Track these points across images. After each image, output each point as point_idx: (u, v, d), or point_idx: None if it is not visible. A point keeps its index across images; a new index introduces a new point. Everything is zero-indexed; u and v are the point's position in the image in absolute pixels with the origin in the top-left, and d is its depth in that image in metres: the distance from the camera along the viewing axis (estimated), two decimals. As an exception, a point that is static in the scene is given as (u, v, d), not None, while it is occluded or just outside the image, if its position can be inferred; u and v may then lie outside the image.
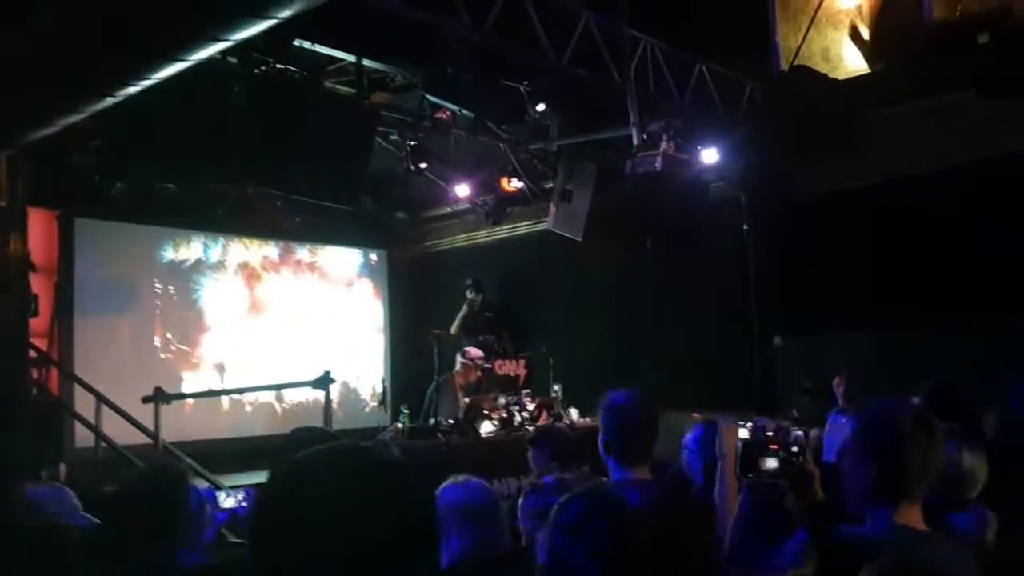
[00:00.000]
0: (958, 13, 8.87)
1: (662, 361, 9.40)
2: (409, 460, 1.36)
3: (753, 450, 2.55)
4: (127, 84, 4.22)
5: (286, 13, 3.73)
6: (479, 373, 8.90)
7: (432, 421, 8.20)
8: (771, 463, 2.52)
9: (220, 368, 10.15)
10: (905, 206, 8.26)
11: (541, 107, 6.70)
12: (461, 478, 3.18)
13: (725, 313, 9.44)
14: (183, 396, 9.21)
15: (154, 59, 4.02)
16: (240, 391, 9.92)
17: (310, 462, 1.29)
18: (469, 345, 9.11)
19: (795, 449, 2.51)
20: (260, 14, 3.71)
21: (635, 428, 3.23)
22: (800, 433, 2.94)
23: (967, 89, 8.05)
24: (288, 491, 1.25)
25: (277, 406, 10.58)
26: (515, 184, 9.16)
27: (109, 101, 4.30)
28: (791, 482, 2.48)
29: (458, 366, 8.79)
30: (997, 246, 7.85)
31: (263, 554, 1.24)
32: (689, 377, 9.04)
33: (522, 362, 9.32)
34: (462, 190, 9.62)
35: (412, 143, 8.08)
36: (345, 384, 10.84)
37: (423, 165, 8.34)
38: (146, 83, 4.20)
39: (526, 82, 6.49)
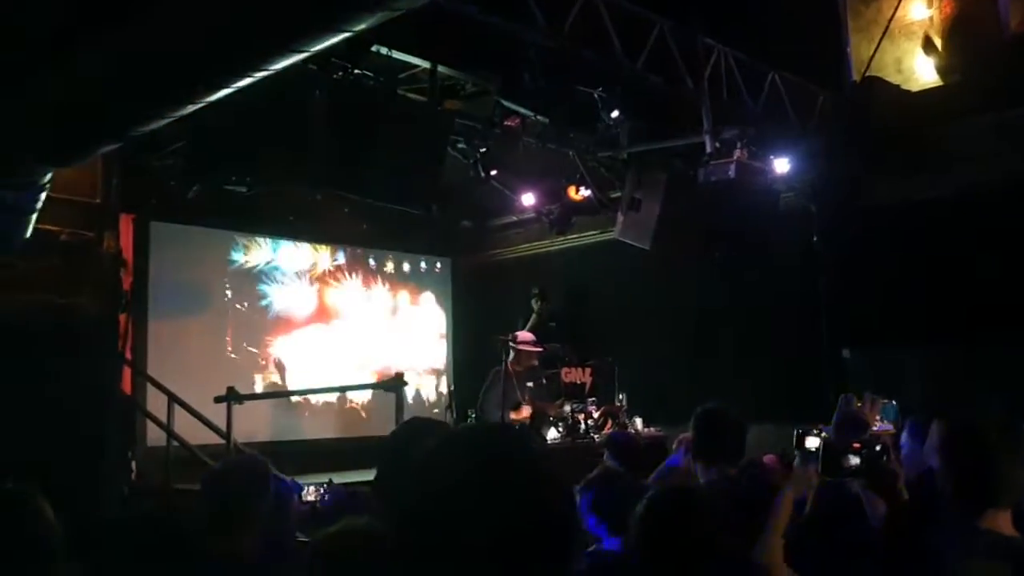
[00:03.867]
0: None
1: (730, 372, 9.31)
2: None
3: (835, 450, 2.52)
4: (243, 76, 4.27)
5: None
6: (534, 361, 8.88)
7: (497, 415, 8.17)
8: (851, 461, 2.50)
9: (288, 371, 10.32)
10: (978, 220, 8.10)
11: (615, 114, 6.72)
12: None
13: (794, 325, 9.33)
14: (256, 396, 9.37)
15: (277, 49, 4.07)
16: (313, 392, 10.07)
17: (460, 435, 1.27)
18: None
19: (879, 448, 2.48)
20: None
21: (723, 432, 3.49)
22: (889, 419, 2.94)
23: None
24: (436, 465, 1.20)
25: (342, 410, 10.72)
26: (582, 193, 9.15)
27: (220, 94, 4.40)
28: (873, 482, 2.47)
29: (510, 355, 8.79)
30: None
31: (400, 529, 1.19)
32: (758, 389, 8.94)
33: (588, 370, 9.30)
34: (528, 199, 9.66)
35: (482, 150, 8.13)
36: (409, 389, 10.94)
37: (493, 173, 8.39)
38: (263, 74, 4.27)
39: (600, 88, 6.52)
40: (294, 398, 10.32)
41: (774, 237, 8.15)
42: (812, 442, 2.73)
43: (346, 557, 1.70)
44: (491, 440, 1.26)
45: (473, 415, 8.05)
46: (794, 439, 3.55)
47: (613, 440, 5.65)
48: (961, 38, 9.40)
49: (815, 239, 9.25)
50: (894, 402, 3.40)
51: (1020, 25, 9.01)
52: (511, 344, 9.06)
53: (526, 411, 8.60)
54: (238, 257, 10.36)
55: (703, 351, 9.71)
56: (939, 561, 2.36)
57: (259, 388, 9.93)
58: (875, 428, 2.91)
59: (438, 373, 11.75)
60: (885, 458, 2.50)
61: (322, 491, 4.54)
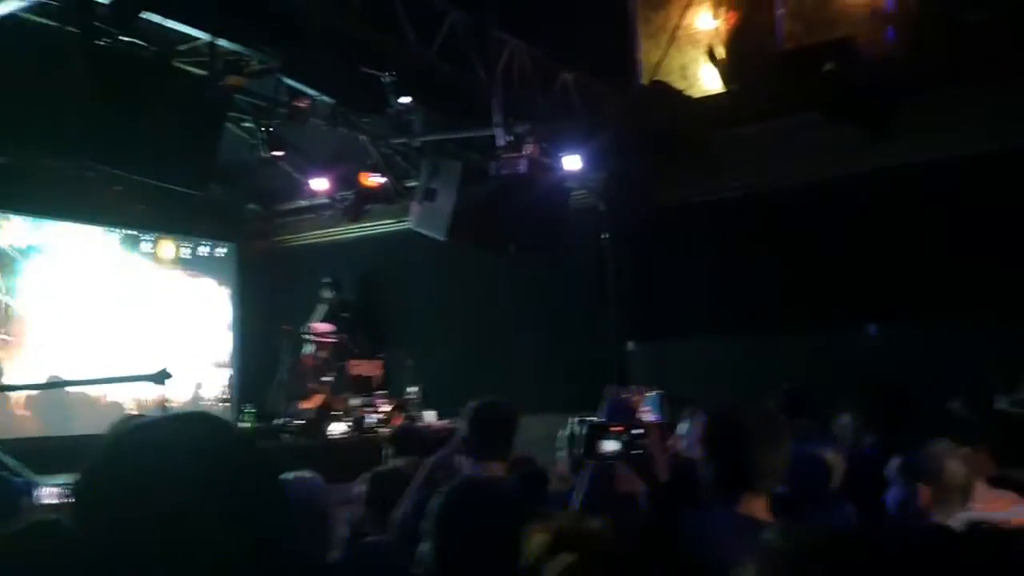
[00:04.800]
0: (805, 41, 9.33)
1: (521, 364, 9.42)
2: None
3: (596, 433, 2.54)
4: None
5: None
6: (325, 351, 8.66)
7: (280, 421, 7.90)
8: (613, 446, 2.52)
9: (51, 362, 9.45)
10: (755, 221, 8.60)
11: (405, 100, 6.55)
12: (292, 475, 3.19)
13: (583, 318, 9.57)
14: (6, 388, 8.53)
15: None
16: (70, 384, 9.27)
17: (151, 424, 1.15)
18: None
19: (639, 432, 2.52)
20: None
21: (491, 427, 3.44)
22: (651, 417, 3.00)
23: (813, 112, 8.46)
24: (124, 452, 1.11)
25: (105, 403, 9.94)
26: (376, 180, 8.95)
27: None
28: (634, 465, 2.51)
29: (306, 348, 8.49)
30: (839, 262, 8.28)
31: (90, 520, 1.08)
32: (547, 380, 9.09)
33: (378, 363, 9.12)
34: (319, 184, 9.32)
35: (267, 130, 7.75)
36: (189, 382, 10.33)
37: (278, 154, 8.00)
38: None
39: (390, 73, 6.33)
40: (56, 392, 9.48)
41: (566, 232, 8.28)
42: (579, 430, 2.76)
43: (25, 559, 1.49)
44: (184, 432, 1.16)
45: (251, 409, 7.67)
46: (567, 429, 3.58)
47: (398, 434, 5.52)
48: (740, 49, 9.92)
49: (604, 236, 9.50)
50: (658, 392, 3.47)
51: (792, 40, 9.61)
52: (307, 336, 8.76)
53: (317, 400, 8.34)
54: (-2, 237, 9.39)
55: (498, 343, 9.76)
56: (696, 542, 2.41)
57: (16, 380, 9.04)
58: (642, 416, 2.96)
59: (221, 365, 11.14)
60: (644, 441, 2.53)
61: (61, 491, 4.11)
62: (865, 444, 3.69)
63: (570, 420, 4.07)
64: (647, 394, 3.10)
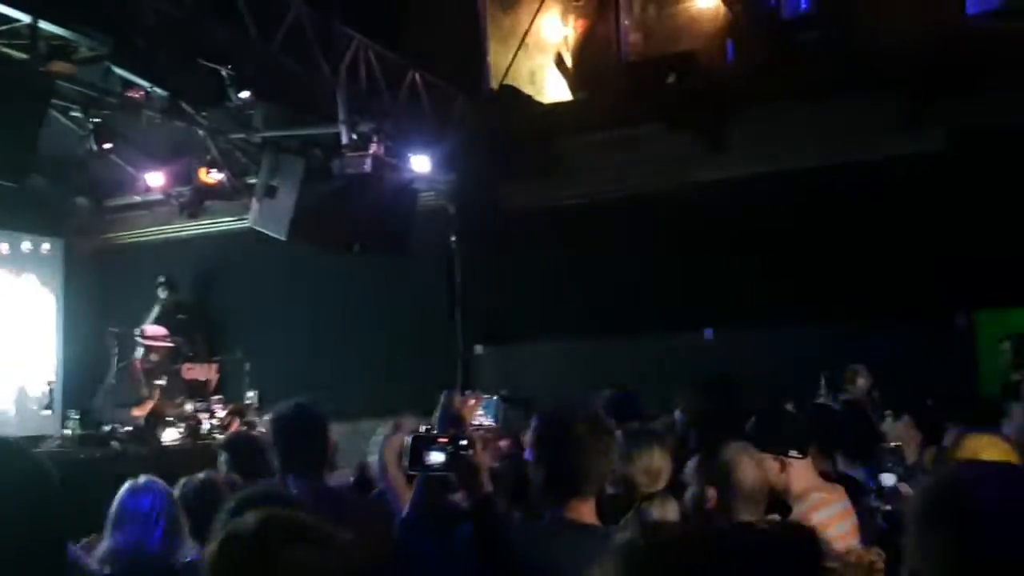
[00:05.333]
0: (649, 54, 9.65)
1: (366, 368, 9.28)
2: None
3: (420, 445, 2.51)
4: None
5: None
6: (158, 355, 8.26)
7: (108, 428, 7.48)
8: (437, 456, 2.49)
9: None
10: (600, 226, 8.79)
11: (244, 94, 6.31)
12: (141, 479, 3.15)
13: (430, 321, 9.52)
14: None
15: None
16: None
17: None
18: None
19: (464, 442, 2.49)
20: None
21: (300, 436, 3.29)
22: (487, 422, 2.98)
23: (656, 123, 8.74)
24: None
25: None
26: (214, 176, 8.58)
27: None
28: (459, 476, 2.49)
29: (139, 351, 8.07)
30: (679, 268, 8.58)
31: None
32: (393, 384, 8.98)
33: (214, 367, 8.76)
34: (154, 179, 8.85)
35: (96, 121, 7.29)
36: (10, 387, 9.62)
37: (107, 146, 7.54)
38: None
39: (229, 66, 6.09)
40: None
41: (413, 234, 8.21)
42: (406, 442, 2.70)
43: None
44: None
45: (77, 415, 7.22)
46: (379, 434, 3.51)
47: (230, 442, 5.29)
48: (586, 58, 10.14)
49: (452, 239, 9.49)
50: (496, 397, 3.45)
51: (636, 52, 9.91)
52: (138, 339, 8.32)
53: (148, 406, 7.94)
54: None
55: (342, 347, 9.58)
56: (524, 548, 2.39)
57: None
58: (478, 422, 2.93)
59: (44, 368, 10.41)
60: (471, 452, 2.50)
61: None
62: (691, 441, 3.78)
63: (382, 426, 4.01)
64: (484, 398, 3.06)
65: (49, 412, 8.24)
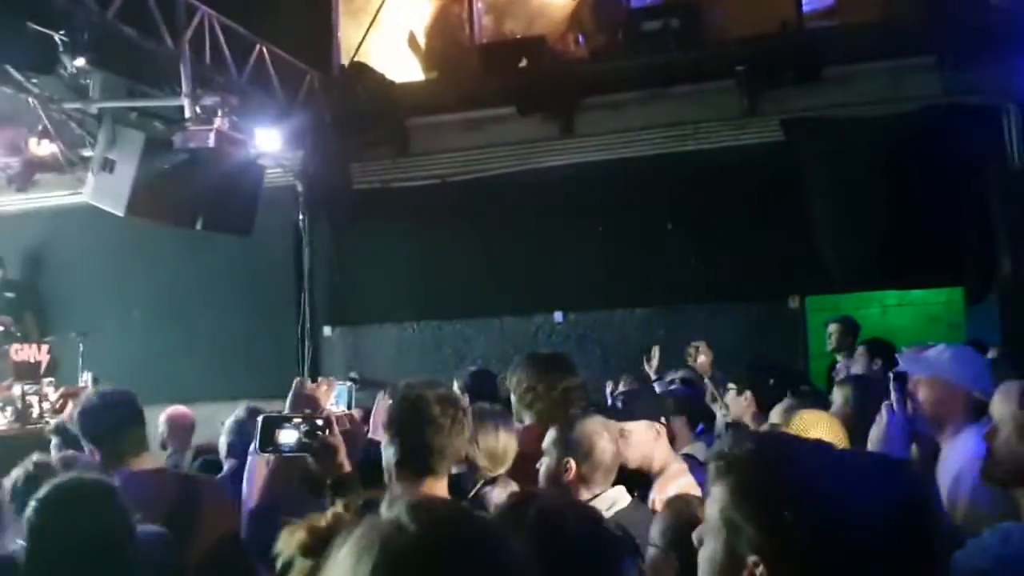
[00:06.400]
0: (501, 37, 9.74)
1: (210, 350, 9.03)
2: None
3: (271, 425, 2.48)
4: None
5: None
6: None
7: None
8: (290, 436, 2.47)
9: None
10: (450, 209, 8.85)
11: (79, 62, 5.99)
12: None
13: (278, 302, 9.37)
14: None
15: None
16: None
17: None
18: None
19: (320, 422, 2.49)
20: None
21: (118, 422, 3.28)
22: (333, 404, 2.97)
23: (508, 106, 8.86)
24: None
25: None
26: (46, 147, 8.14)
27: None
28: (314, 456, 2.48)
29: None
30: (530, 251, 8.76)
31: None
32: (238, 367, 8.79)
33: (45, 348, 8.29)
34: (-21, 148, 8.32)
35: (-86, 86, 6.77)
36: None
37: (-74, 113, 7.04)
38: None
39: (62, 31, 5.77)
40: None
41: (259, 211, 8.02)
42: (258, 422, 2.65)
43: None
44: None
45: None
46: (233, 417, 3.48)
47: (62, 427, 5.10)
48: (439, 38, 10.15)
49: (301, 217, 9.33)
50: (349, 383, 3.43)
51: (488, 35, 10.00)
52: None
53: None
54: None
55: (184, 328, 9.29)
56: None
57: None
58: (329, 409, 2.91)
59: None
60: (326, 432, 2.50)
61: None
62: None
63: (237, 409, 3.95)
64: (337, 384, 3.03)
65: None
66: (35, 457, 3.61)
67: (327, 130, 8.67)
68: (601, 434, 2.91)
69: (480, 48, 9.56)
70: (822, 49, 8.23)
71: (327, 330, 9.49)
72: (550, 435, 2.96)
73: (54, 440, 4.93)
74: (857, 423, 3.13)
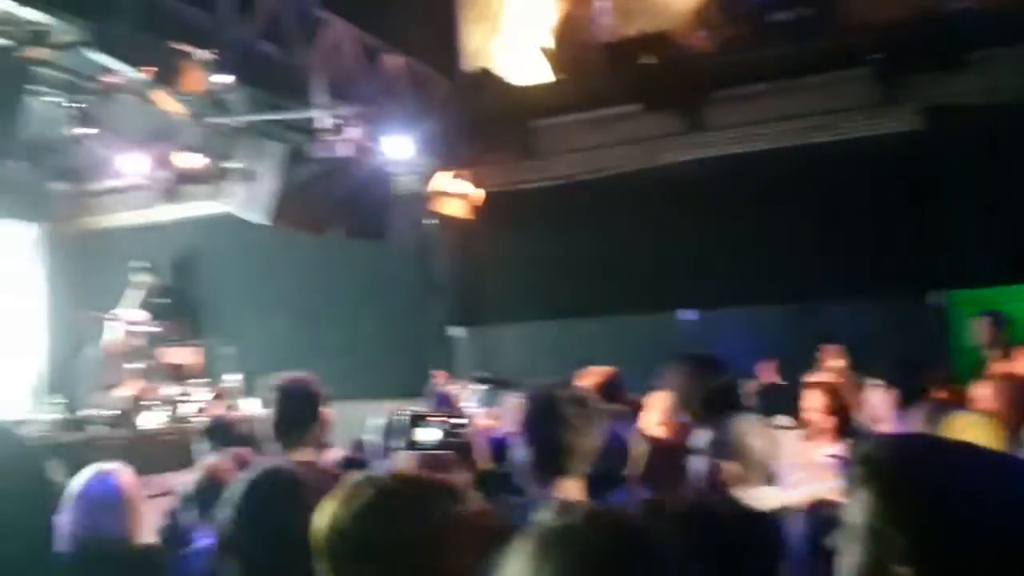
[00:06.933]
0: (625, 34, 9.68)
1: (346, 351, 9.33)
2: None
3: (413, 423, 2.56)
4: None
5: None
6: (138, 339, 8.30)
7: (89, 412, 7.51)
8: (433, 435, 2.54)
9: None
10: (576, 209, 8.87)
11: (224, 79, 6.32)
12: (98, 467, 3.15)
13: (409, 304, 9.59)
14: None
15: None
16: None
17: None
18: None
19: (459, 421, 2.55)
20: None
21: (296, 413, 3.31)
22: (470, 406, 3.01)
23: (634, 103, 8.81)
24: None
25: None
26: (194, 160, 8.59)
27: None
28: (456, 453, 2.53)
29: (113, 335, 8.08)
30: (659, 248, 8.67)
31: None
32: (371, 367, 9.05)
33: (195, 351, 8.79)
34: (132, 163, 8.85)
35: (75, 105, 7.28)
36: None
37: (87, 131, 7.53)
38: None
39: (208, 50, 6.10)
40: None
41: (392, 218, 8.25)
42: (399, 419, 2.74)
43: None
44: None
45: (58, 400, 7.25)
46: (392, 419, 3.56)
47: (209, 427, 5.35)
48: (562, 40, 10.17)
49: (431, 221, 9.53)
50: (485, 385, 3.49)
51: (612, 32, 9.95)
52: (112, 322, 8.34)
53: (127, 390, 7.97)
54: None
55: (322, 330, 9.63)
56: (514, 528, 2.43)
57: None
58: (466, 409, 2.98)
59: (26, 353, 10.40)
60: (465, 430, 2.55)
61: None
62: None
63: (389, 412, 4.05)
64: (473, 388, 3.09)
65: (34, 397, 8.24)
66: (206, 460, 3.80)
67: (454, 135, 8.83)
68: (754, 433, 2.88)
69: (604, 47, 9.52)
70: (963, 34, 7.83)
71: (457, 331, 9.66)
72: (702, 435, 2.94)
73: (204, 440, 5.12)
74: (1015, 423, 2.98)
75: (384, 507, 1.49)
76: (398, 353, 9.27)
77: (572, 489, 2.52)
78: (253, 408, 8.40)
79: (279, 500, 2.35)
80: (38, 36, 6.55)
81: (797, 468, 3.27)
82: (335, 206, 7.70)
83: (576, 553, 0.98)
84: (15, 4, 5.77)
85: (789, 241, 8.33)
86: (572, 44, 10.15)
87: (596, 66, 9.17)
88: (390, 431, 3.82)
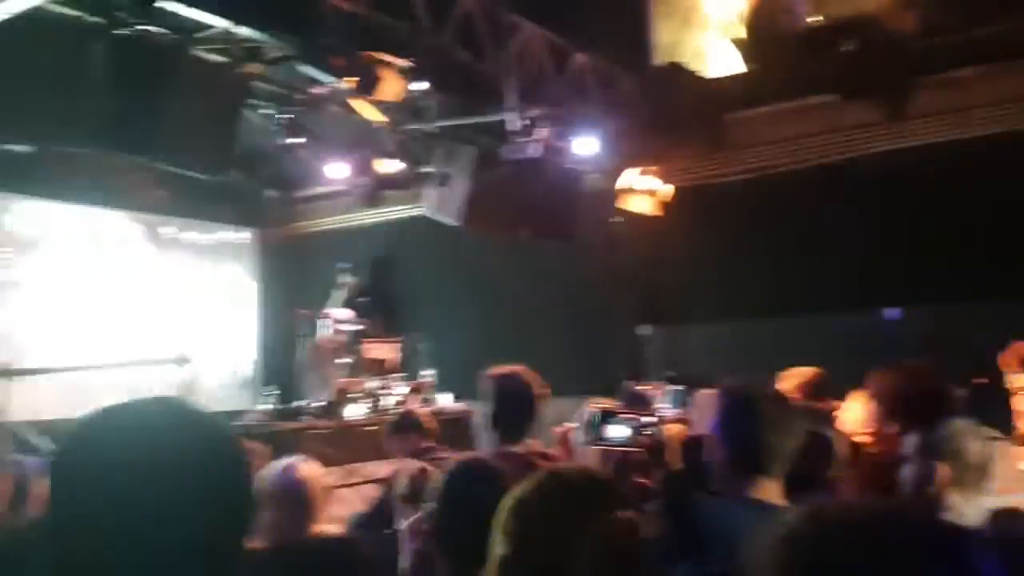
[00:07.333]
0: (824, 19, 9.27)
1: (537, 348, 9.44)
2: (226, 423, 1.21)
3: (603, 419, 2.55)
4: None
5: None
6: (343, 335, 8.79)
7: (300, 403, 8.03)
8: (622, 432, 2.52)
9: (76, 346, 9.59)
10: (770, 203, 8.58)
11: (421, 86, 6.59)
12: (286, 461, 3.24)
13: (596, 303, 9.60)
14: (29, 372, 8.68)
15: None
16: (92, 368, 9.42)
17: (112, 411, 1.13)
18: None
19: (650, 420, 2.52)
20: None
21: (517, 406, 3.38)
22: (664, 406, 2.98)
23: (832, 93, 8.43)
24: (85, 442, 1.09)
25: (134, 387, 10.10)
26: (391, 166, 9.01)
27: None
28: (647, 451, 2.51)
29: (325, 332, 8.61)
30: (856, 244, 8.26)
31: (59, 513, 1.06)
32: (560, 366, 9.10)
33: (394, 346, 9.21)
34: (336, 170, 9.39)
35: (285, 117, 7.82)
36: (209, 366, 10.46)
37: (296, 141, 8.08)
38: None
39: (406, 59, 6.38)
40: (84, 375, 9.62)
41: (579, 216, 8.31)
42: (590, 414, 2.76)
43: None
44: (157, 404, 1.16)
45: (271, 391, 7.79)
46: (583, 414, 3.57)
47: (397, 422, 5.49)
48: (756, 29, 9.86)
49: (618, 219, 9.51)
50: (679, 385, 3.44)
51: (810, 19, 9.56)
52: (325, 320, 8.88)
53: (335, 383, 8.47)
54: (20, 222, 9.54)
55: (511, 327, 9.81)
56: (711, 529, 2.40)
57: (43, 364, 9.18)
58: (659, 409, 2.96)
59: (243, 350, 11.27)
60: (656, 428, 2.53)
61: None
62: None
63: (585, 405, 4.06)
64: (667, 388, 3.06)
65: (250, 389, 8.90)
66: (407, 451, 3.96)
67: (642, 131, 8.78)
68: (971, 436, 2.72)
69: (801, 34, 9.16)
70: None
71: (644, 329, 9.59)
72: (913, 440, 2.81)
73: (394, 431, 5.27)
74: None
75: (549, 498, 1.52)
76: (585, 351, 9.31)
77: (770, 490, 2.45)
78: (446, 402, 8.72)
79: (480, 491, 2.44)
80: (253, 52, 7.09)
81: (1009, 479, 3.03)
82: (523, 207, 7.84)
83: (792, 555, 0.96)
84: (232, 23, 6.29)
85: (1002, 233, 7.71)
86: (765, 33, 9.82)
87: (792, 55, 8.84)
88: (585, 425, 3.84)
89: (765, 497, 2.40)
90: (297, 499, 3.18)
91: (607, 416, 2.60)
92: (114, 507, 1.03)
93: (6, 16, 4.53)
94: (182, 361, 6.60)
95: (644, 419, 2.57)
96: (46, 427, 7.92)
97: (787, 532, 1.01)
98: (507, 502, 1.59)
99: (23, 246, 9.59)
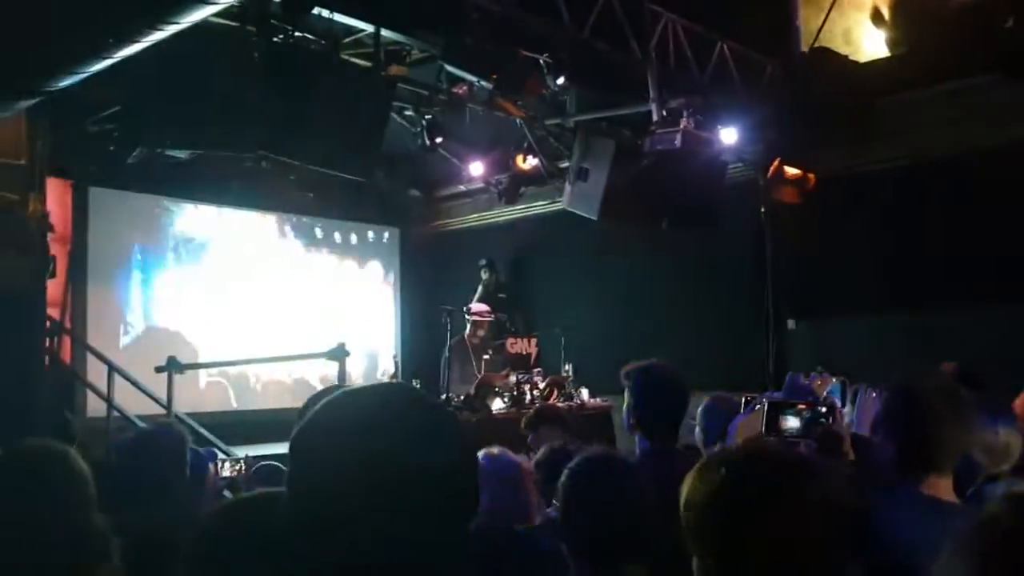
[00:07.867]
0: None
1: (676, 343, 9.33)
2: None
3: (775, 410, 2.48)
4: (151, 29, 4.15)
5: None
6: (484, 330, 8.94)
7: (444, 396, 8.19)
8: (793, 422, 2.45)
9: (232, 342, 10.12)
10: (923, 190, 8.18)
11: (561, 80, 6.62)
12: (495, 449, 3.28)
13: (741, 296, 9.39)
14: (197, 366, 9.21)
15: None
16: (253, 362, 9.92)
17: (357, 390, 1.20)
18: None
19: (823, 409, 2.44)
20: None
21: (666, 400, 3.30)
22: (835, 396, 2.88)
23: (990, 73, 7.95)
24: (328, 425, 1.14)
25: (287, 380, 10.58)
26: (530, 162, 9.08)
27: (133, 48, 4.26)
28: (819, 443, 2.44)
29: (468, 327, 8.79)
30: (1014, 234, 7.77)
31: (301, 490, 1.12)
32: (703, 358, 8.97)
33: (533, 340, 9.28)
34: (476, 168, 9.55)
35: (428, 118, 8.00)
36: (357, 359, 10.84)
37: (438, 141, 8.26)
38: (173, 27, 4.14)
39: (546, 55, 6.42)
40: (241, 369, 10.15)
41: (722, 207, 8.15)
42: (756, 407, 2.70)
43: (229, 535, 1.50)
44: (374, 401, 1.19)
45: (418, 383, 7.99)
46: (741, 407, 3.49)
47: (536, 415, 5.46)
48: (908, 9, 9.43)
49: (762, 210, 9.27)
50: (840, 380, 3.31)
51: (965, -3, 9.06)
52: (467, 316, 9.06)
53: (478, 376, 8.63)
54: (180, 224, 10.13)
55: (651, 322, 9.71)
56: (887, 525, 2.32)
57: (203, 359, 9.74)
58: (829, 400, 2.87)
59: (387, 344, 11.63)
60: (830, 419, 2.46)
61: (240, 465, 4.34)
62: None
63: (743, 399, 3.97)
64: (831, 380, 2.95)
65: (394, 382, 9.13)
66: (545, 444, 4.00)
67: (789, 120, 8.53)
68: None
69: (957, 12, 8.70)
70: None
71: (791, 323, 9.31)
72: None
73: (531, 425, 5.26)
74: None
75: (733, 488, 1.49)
76: (730, 345, 9.13)
77: (941, 485, 2.35)
78: (583, 396, 8.72)
79: (605, 486, 2.44)
80: (395, 55, 7.29)
81: None
82: (664, 199, 7.75)
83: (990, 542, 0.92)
84: (378, 27, 6.48)
85: None
86: (919, 13, 9.37)
87: (947, 35, 8.40)
88: (709, 416, 3.76)
89: (937, 493, 2.30)
90: (518, 480, 3.25)
91: (779, 408, 2.53)
92: (356, 479, 1.08)
93: (174, 31, 4.79)
94: (341, 353, 6.83)
95: (818, 410, 2.50)
96: (206, 419, 8.41)
97: (988, 519, 0.96)
98: (702, 498, 1.52)
99: (193, 248, 10.18)
